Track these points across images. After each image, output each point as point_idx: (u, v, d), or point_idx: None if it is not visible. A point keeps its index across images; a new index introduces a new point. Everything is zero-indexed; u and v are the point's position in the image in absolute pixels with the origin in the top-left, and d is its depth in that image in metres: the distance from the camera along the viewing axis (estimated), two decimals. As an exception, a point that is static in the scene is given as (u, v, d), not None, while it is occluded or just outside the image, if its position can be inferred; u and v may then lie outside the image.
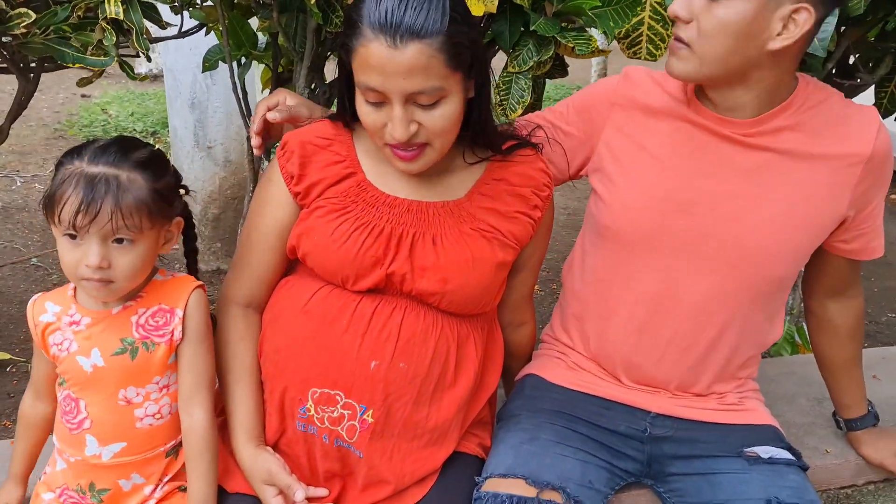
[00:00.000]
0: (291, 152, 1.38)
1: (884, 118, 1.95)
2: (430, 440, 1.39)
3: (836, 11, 1.59)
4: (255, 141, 1.52)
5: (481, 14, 1.51)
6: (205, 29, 1.97)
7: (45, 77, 1.73)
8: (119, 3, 1.44)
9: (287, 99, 1.50)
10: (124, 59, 1.55)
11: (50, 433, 1.42)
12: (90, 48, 1.51)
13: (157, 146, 1.34)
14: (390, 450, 1.37)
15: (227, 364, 1.42)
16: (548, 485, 1.36)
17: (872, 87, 2.07)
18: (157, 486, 1.38)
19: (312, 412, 1.36)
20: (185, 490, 1.39)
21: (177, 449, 1.38)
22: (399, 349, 1.34)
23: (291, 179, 1.39)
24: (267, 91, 2.08)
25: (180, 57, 2.80)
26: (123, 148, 1.25)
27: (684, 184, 1.41)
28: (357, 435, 1.35)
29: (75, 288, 1.33)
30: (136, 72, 1.66)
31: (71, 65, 1.52)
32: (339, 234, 1.34)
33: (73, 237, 1.22)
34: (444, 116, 1.27)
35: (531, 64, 1.74)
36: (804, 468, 1.47)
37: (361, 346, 1.33)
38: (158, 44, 2.03)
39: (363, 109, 1.28)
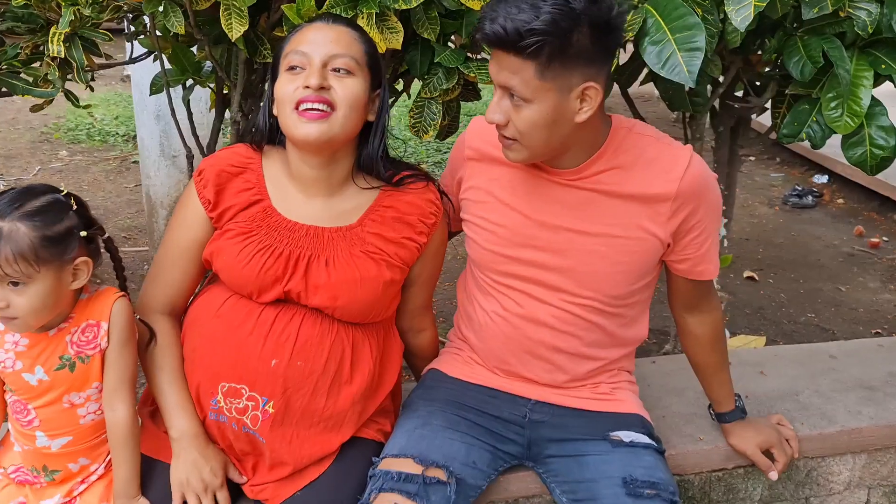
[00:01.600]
0: (208, 180, 1.59)
1: (779, 139, 2.13)
2: (326, 427, 1.60)
3: (712, 41, 1.81)
4: None
5: (384, 51, 1.72)
6: (153, 56, 2.17)
7: None
8: (61, 43, 1.64)
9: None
10: (69, 90, 1.75)
11: (4, 438, 1.59)
12: (39, 80, 1.71)
13: (65, 191, 1.46)
14: (290, 435, 1.57)
15: (159, 364, 1.61)
16: (433, 463, 1.56)
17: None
18: (101, 464, 1.58)
19: (222, 403, 1.56)
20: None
21: None
22: (297, 349, 1.55)
23: (208, 205, 1.59)
24: (213, 111, 2.28)
25: (145, 73, 2.99)
26: (16, 198, 1.39)
27: (525, 222, 1.63)
28: (260, 423, 1.56)
29: None
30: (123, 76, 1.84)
31: (21, 95, 1.72)
32: (244, 256, 1.55)
33: None
34: (352, 87, 1.51)
35: (440, 91, 1.95)
36: (661, 451, 1.68)
37: (264, 347, 1.54)
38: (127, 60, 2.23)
39: (282, 82, 1.52)
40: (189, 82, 2.18)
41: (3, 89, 1.77)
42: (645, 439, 1.66)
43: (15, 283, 1.38)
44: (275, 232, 1.58)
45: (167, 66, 2.10)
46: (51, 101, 1.80)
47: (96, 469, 1.59)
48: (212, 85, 2.21)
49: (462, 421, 1.68)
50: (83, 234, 1.45)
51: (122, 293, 1.54)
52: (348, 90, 1.51)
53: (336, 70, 1.51)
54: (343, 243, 1.59)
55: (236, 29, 1.72)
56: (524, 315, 1.67)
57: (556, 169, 1.59)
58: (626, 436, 1.66)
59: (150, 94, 2.16)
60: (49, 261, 1.39)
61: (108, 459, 1.60)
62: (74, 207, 1.46)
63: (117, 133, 5.77)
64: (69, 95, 1.75)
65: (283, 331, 1.55)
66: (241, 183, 1.61)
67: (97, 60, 1.81)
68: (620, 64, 2.08)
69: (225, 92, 2.20)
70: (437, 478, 1.54)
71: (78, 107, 1.79)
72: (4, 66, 1.69)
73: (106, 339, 1.50)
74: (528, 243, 1.63)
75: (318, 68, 1.49)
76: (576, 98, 1.45)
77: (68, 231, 1.43)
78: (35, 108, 1.87)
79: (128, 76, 6.34)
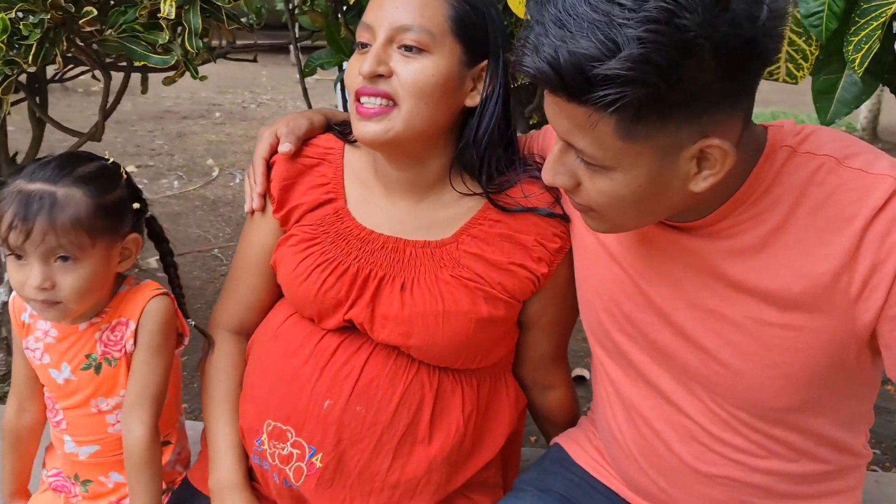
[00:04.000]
0: (276, 173, 1.29)
1: None
2: (390, 498, 1.22)
3: None
4: (258, 202, 1.30)
5: (522, 16, 1.30)
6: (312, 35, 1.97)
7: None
8: (173, 4, 1.45)
9: (280, 128, 1.32)
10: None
11: (38, 444, 1.40)
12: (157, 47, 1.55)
13: (111, 159, 1.28)
14: (341, 501, 1.21)
15: (210, 392, 1.34)
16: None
17: None
18: None
19: (266, 446, 1.25)
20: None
21: None
22: (358, 391, 1.19)
23: (274, 203, 1.29)
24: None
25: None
26: (64, 164, 1.21)
27: (630, 287, 1.15)
28: (304, 478, 1.22)
29: None
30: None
31: (138, 62, 1.57)
32: (302, 270, 1.23)
33: (18, 257, 1.18)
34: (422, 71, 1.11)
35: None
36: None
37: (318, 382, 1.21)
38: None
39: (349, 64, 1.17)
40: (345, 64, 1.93)
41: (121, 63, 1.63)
42: None
43: (65, 259, 1.18)
44: (343, 241, 1.24)
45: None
46: (181, 71, 1.63)
47: None
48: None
49: (576, 530, 1.21)
50: (135, 206, 1.26)
51: (162, 290, 1.29)
52: (416, 76, 1.11)
53: (404, 48, 1.12)
54: (429, 263, 1.21)
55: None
56: (647, 420, 1.17)
57: (674, 222, 1.06)
58: None
59: (304, 77, 1.94)
60: (103, 234, 1.21)
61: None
62: (124, 177, 1.26)
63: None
64: (188, 65, 1.57)
65: (345, 365, 1.21)
66: (315, 177, 1.28)
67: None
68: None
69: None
70: None
71: (196, 77, 1.60)
72: (125, 31, 1.54)
73: (132, 342, 1.26)
74: (634, 319, 1.13)
75: (379, 47, 1.12)
76: (689, 160, 0.92)
77: (122, 201, 1.24)
78: (167, 81, 1.72)
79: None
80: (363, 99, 1.14)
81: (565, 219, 1.24)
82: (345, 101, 1.98)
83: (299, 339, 1.25)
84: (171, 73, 1.71)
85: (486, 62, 1.17)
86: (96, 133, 1.82)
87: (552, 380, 1.39)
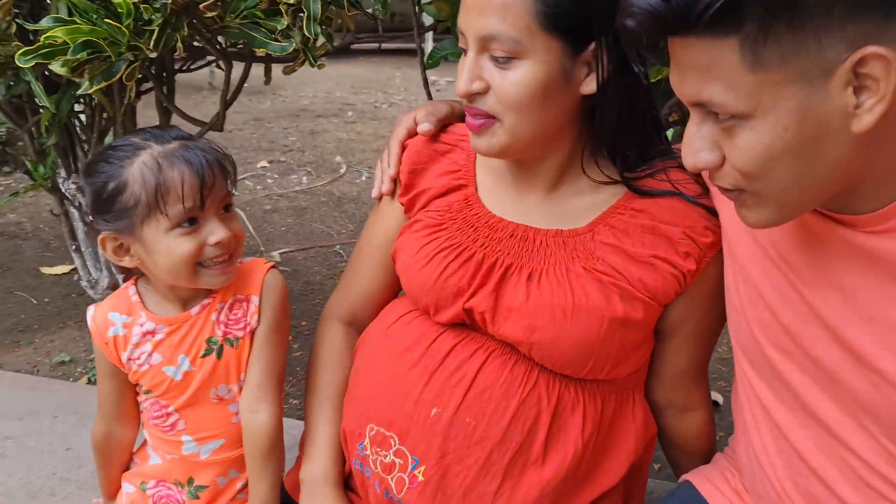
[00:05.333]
0: (406, 159, 1.23)
1: None
2: None
3: None
4: (387, 186, 1.25)
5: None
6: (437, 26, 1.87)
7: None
8: (293, -14, 1.40)
9: (419, 113, 1.28)
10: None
11: (130, 454, 1.37)
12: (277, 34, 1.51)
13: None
14: None
15: (313, 385, 1.28)
16: None
17: None
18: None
19: (368, 451, 1.17)
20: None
21: None
22: (469, 400, 1.09)
23: (401, 187, 1.23)
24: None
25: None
26: (165, 128, 1.20)
27: (794, 298, 0.97)
28: (405, 491, 1.12)
29: (139, 294, 1.25)
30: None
31: (258, 49, 1.53)
32: (424, 254, 1.15)
33: (191, 222, 1.14)
34: (518, 83, 1.00)
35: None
36: None
37: (426, 387, 1.11)
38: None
39: (461, 61, 1.08)
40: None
41: (240, 46, 1.60)
42: None
43: (227, 208, 1.18)
44: (470, 228, 1.15)
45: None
46: (301, 61, 1.59)
47: (241, 487, 1.31)
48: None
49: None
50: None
51: (273, 264, 1.25)
52: (511, 90, 1.01)
53: (496, 63, 1.01)
54: (560, 253, 1.10)
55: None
56: (801, 453, 0.98)
57: (844, 214, 0.88)
58: None
59: (427, 69, 1.85)
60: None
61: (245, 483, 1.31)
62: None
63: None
64: (307, 52, 1.52)
65: (457, 371, 1.11)
66: (447, 164, 1.21)
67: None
68: None
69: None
70: None
71: (313, 66, 1.54)
72: (245, 17, 1.50)
73: (256, 317, 1.21)
74: (793, 331, 0.96)
75: (472, 60, 1.03)
76: (843, 87, 0.75)
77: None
78: (287, 70, 1.68)
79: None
80: (469, 112, 1.07)
81: (713, 212, 1.09)
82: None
83: (410, 340, 1.16)
84: (290, 63, 1.67)
85: (593, 45, 1.02)
86: (217, 123, 1.81)
87: (692, 401, 1.23)
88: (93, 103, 2.03)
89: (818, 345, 0.93)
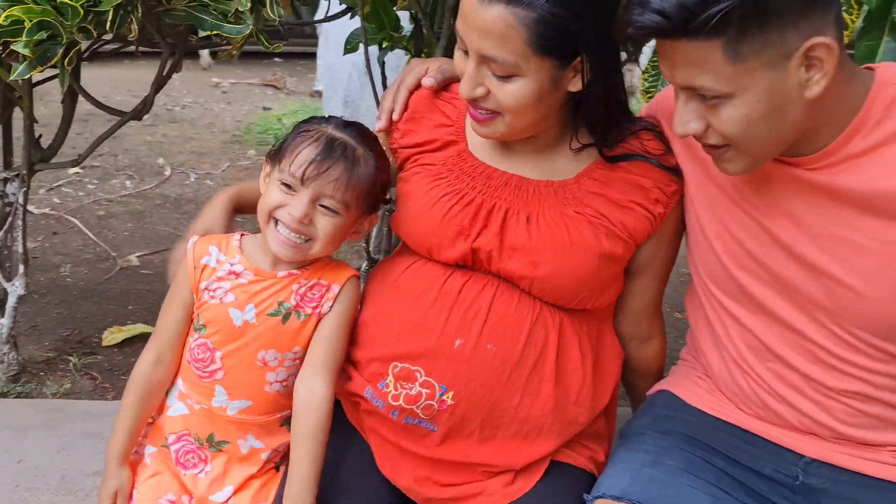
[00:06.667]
0: (409, 105, 1.36)
1: None
2: (518, 432, 1.27)
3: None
4: (384, 123, 1.38)
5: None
6: (349, 13, 1.95)
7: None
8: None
9: (431, 65, 1.40)
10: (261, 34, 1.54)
11: (161, 402, 1.38)
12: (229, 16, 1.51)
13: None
14: (469, 434, 1.27)
15: None
16: (667, 515, 1.16)
17: None
18: (268, 454, 1.36)
19: (390, 388, 1.27)
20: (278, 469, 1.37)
21: (289, 421, 1.34)
22: (488, 329, 1.24)
23: (396, 131, 1.36)
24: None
25: (336, 58, 2.85)
26: (366, 131, 1.32)
27: (754, 229, 1.25)
28: (435, 414, 1.25)
29: (242, 239, 1.34)
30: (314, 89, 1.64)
31: (209, 32, 1.53)
32: (429, 199, 1.28)
33: (288, 187, 1.25)
34: (515, 95, 1.17)
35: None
36: None
37: (447, 322, 1.25)
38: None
39: (457, 52, 1.23)
40: (384, 44, 1.94)
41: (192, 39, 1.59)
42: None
43: (325, 207, 1.28)
44: (468, 177, 1.30)
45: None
46: (240, 46, 1.60)
47: (266, 460, 1.36)
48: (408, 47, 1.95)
49: (707, 467, 1.27)
50: (388, 196, 1.40)
51: (356, 272, 1.36)
52: (509, 99, 1.18)
53: (494, 75, 1.18)
54: (553, 200, 1.27)
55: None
56: (770, 347, 1.26)
57: (792, 157, 1.16)
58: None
59: (345, 54, 1.94)
60: (364, 204, 1.31)
61: (270, 456, 1.36)
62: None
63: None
64: (259, 36, 1.54)
65: (473, 304, 1.25)
66: (440, 116, 1.35)
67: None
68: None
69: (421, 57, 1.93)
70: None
71: (268, 49, 1.57)
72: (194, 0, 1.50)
73: (330, 304, 1.31)
74: (757, 255, 1.23)
75: (473, 69, 1.18)
76: (798, 67, 1.02)
77: (386, 186, 1.36)
78: (224, 54, 1.67)
79: (318, 91, 6.46)
80: (473, 107, 1.23)
81: (674, 170, 1.30)
82: (384, 76, 1.98)
83: (423, 285, 1.29)
84: (227, 48, 1.67)
85: (579, 59, 1.18)
86: (143, 110, 1.75)
87: (651, 330, 1.45)
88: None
89: (778, 262, 1.19)
